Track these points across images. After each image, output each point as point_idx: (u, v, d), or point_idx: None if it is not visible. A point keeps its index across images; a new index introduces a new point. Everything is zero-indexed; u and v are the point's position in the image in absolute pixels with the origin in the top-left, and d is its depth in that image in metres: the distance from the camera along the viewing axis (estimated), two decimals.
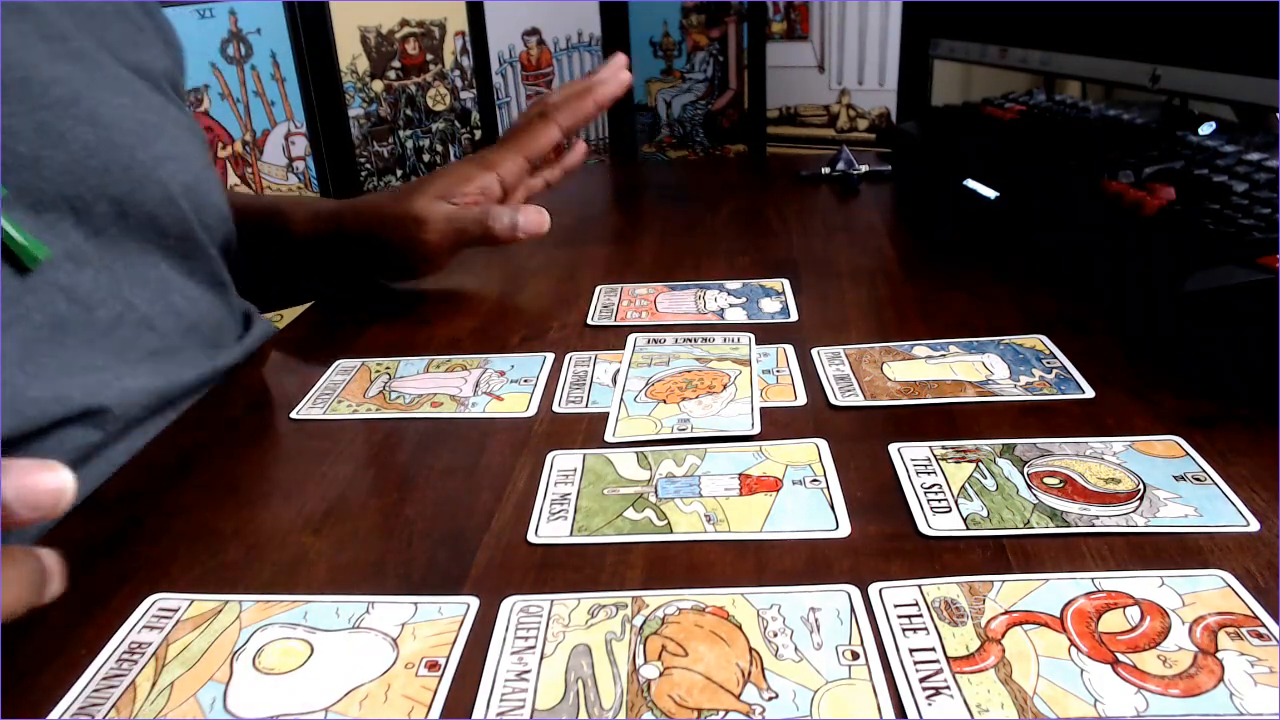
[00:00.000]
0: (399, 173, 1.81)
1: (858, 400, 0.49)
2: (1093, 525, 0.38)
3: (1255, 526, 0.37)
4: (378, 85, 1.74)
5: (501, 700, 0.31)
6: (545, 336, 0.60)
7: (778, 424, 0.47)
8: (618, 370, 0.54)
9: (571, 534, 0.39)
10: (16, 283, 0.46)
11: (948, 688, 0.30)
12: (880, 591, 0.34)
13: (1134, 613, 0.33)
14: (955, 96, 1.58)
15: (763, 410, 0.48)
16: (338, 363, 0.57)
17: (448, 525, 0.41)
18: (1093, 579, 0.34)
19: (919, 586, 0.35)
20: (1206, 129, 0.77)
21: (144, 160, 0.52)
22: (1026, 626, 0.32)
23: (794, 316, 0.61)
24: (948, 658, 0.31)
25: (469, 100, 1.89)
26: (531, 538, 0.39)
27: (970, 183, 0.86)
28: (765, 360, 0.54)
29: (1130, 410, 0.46)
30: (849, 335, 0.57)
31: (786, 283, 0.66)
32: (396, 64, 1.77)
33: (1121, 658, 0.31)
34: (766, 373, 0.53)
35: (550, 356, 0.56)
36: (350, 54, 1.69)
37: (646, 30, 2.01)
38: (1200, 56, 0.69)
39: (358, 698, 0.31)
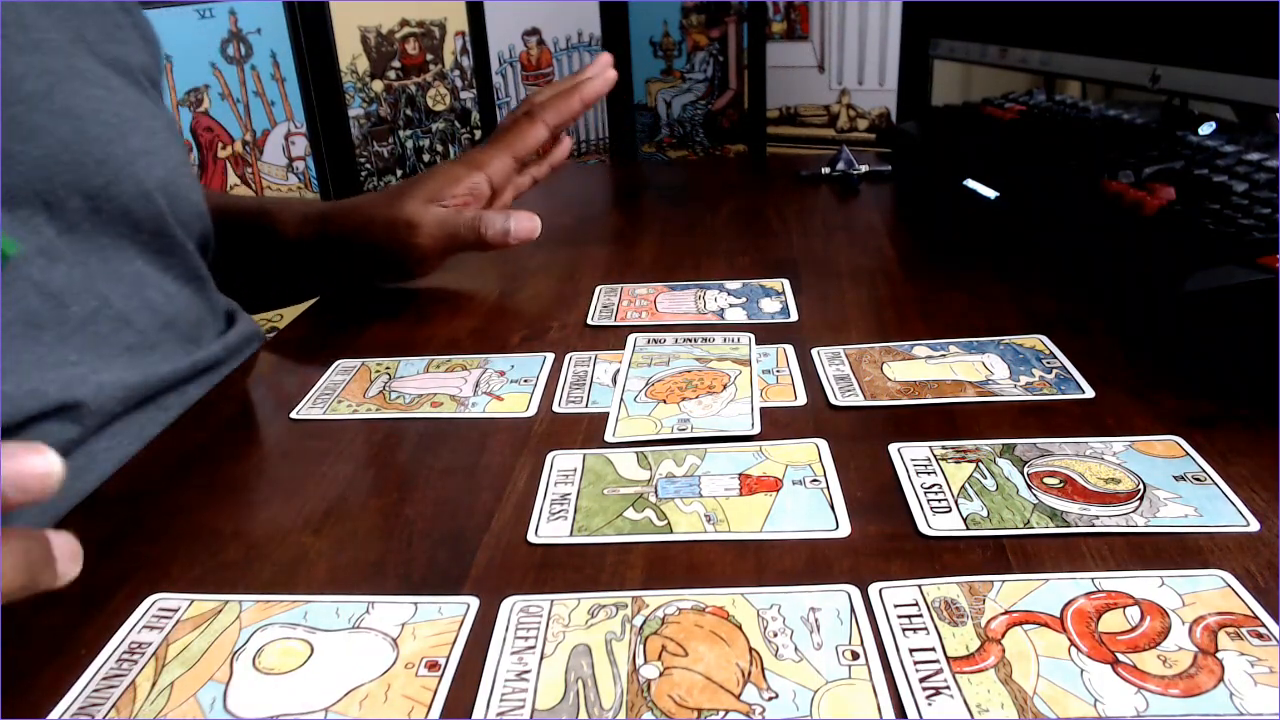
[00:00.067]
0: (399, 173, 1.81)
1: (858, 400, 0.49)
2: (1093, 525, 0.38)
3: (1255, 526, 0.37)
4: (378, 85, 1.74)
5: (501, 700, 0.31)
6: (545, 336, 0.60)
7: (778, 424, 0.47)
8: (618, 370, 0.54)
9: (571, 534, 0.39)
10: None
11: (948, 688, 0.30)
12: (880, 591, 0.34)
13: (1134, 613, 0.33)
14: (955, 96, 1.58)
15: (763, 410, 0.48)
16: (338, 363, 0.57)
17: (448, 525, 0.41)
18: (1093, 579, 0.34)
19: (919, 586, 0.35)
20: (1206, 129, 0.77)
21: (118, 155, 0.52)
22: (1026, 626, 0.32)
23: (794, 316, 0.61)
24: (948, 658, 0.31)
25: (469, 100, 1.89)
26: (531, 538, 0.39)
27: (970, 183, 0.86)
28: (765, 360, 0.54)
29: (1130, 410, 0.46)
30: (849, 335, 0.57)
31: (786, 283, 0.66)
32: (396, 64, 1.77)
33: (1121, 658, 0.31)
34: (766, 373, 0.53)
35: (550, 356, 0.56)
36: (350, 54, 1.69)
37: (646, 30, 2.01)
38: (1200, 56, 0.69)
39: (358, 698, 0.31)
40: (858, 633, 0.33)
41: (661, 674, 0.31)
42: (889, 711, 0.29)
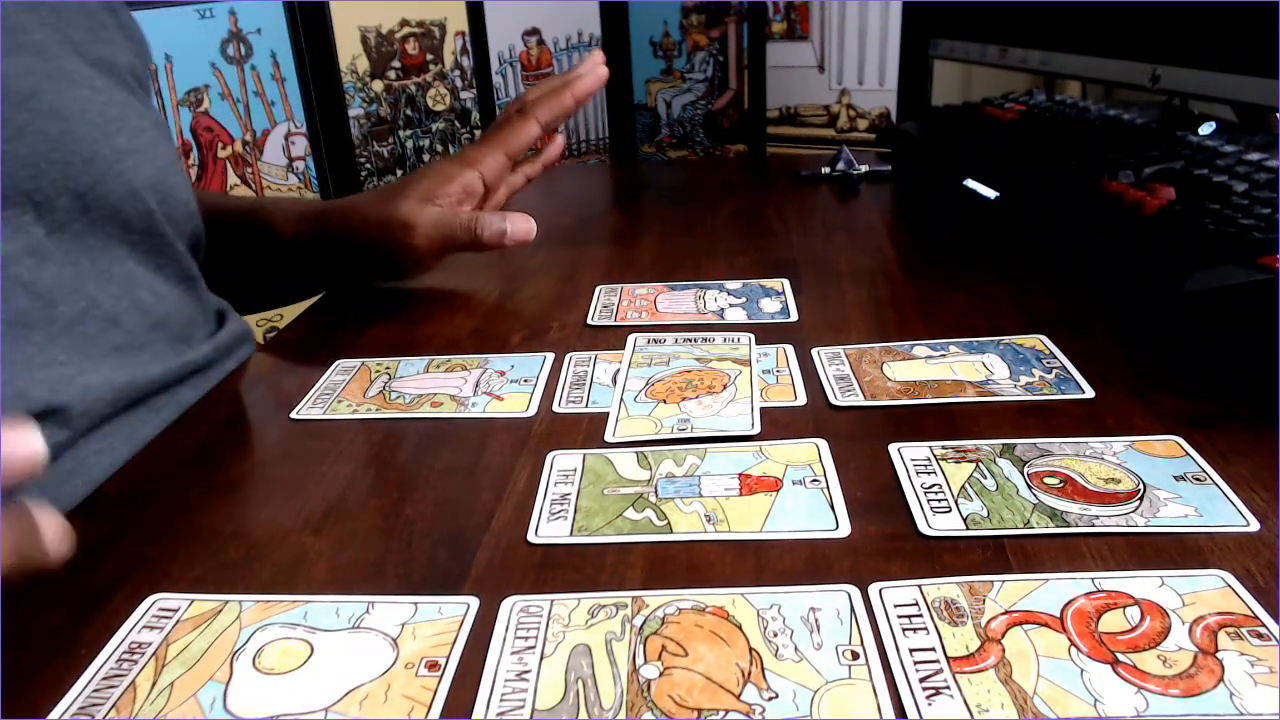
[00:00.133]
0: (399, 173, 1.81)
1: (858, 400, 0.49)
2: (1093, 525, 0.38)
3: (1255, 526, 0.37)
4: (378, 85, 1.74)
5: (501, 700, 0.31)
6: (545, 336, 0.60)
7: (778, 424, 0.47)
8: (618, 370, 0.54)
9: (571, 534, 0.39)
10: None
11: (948, 688, 0.30)
12: (880, 591, 0.34)
13: (1134, 613, 0.33)
14: (955, 96, 1.58)
15: (763, 410, 0.48)
16: (338, 363, 0.57)
17: (448, 525, 0.41)
18: (1093, 579, 0.34)
19: (919, 586, 0.35)
20: (1206, 129, 0.77)
21: (106, 154, 0.52)
22: (1026, 626, 0.32)
23: (794, 316, 0.61)
24: (948, 658, 0.31)
25: (469, 100, 1.89)
26: (531, 538, 0.39)
27: (970, 183, 0.86)
28: (765, 360, 0.54)
29: (1130, 410, 0.46)
30: (849, 335, 0.57)
31: (786, 283, 0.66)
32: (396, 64, 1.76)
33: (1121, 658, 0.31)
34: (766, 373, 0.53)
35: (550, 356, 0.56)
36: (350, 54, 1.69)
37: (646, 30, 2.01)
38: (1200, 56, 0.69)
39: (358, 698, 0.31)
40: (858, 633, 0.33)
41: (661, 674, 0.31)
42: (889, 711, 0.29)
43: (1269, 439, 0.43)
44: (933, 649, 0.32)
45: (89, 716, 0.31)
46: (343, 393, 0.53)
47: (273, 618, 0.35)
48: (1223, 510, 0.38)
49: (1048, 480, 0.41)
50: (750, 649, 0.32)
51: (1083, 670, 0.30)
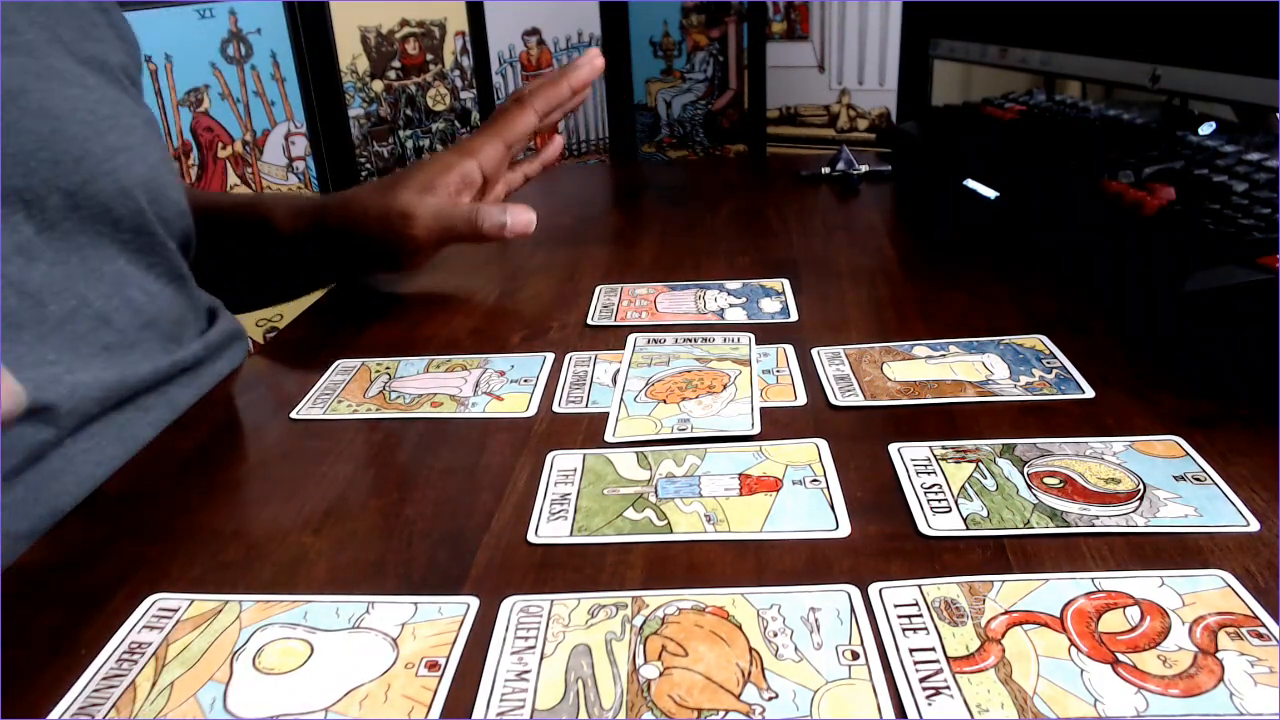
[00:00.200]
0: (398, 173, 1.81)
1: (858, 400, 0.49)
2: (1093, 525, 0.38)
3: (1255, 526, 0.37)
4: (378, 85, 1.74)
5: (501, 700, 0.31)
6: (545, 336, 0.60)
7: (778, 424, 0.47)
8: (618, 370, 0.54)
9: (571, 534, 0.39)
10: None
11: (948, 688, 0.30)
12: (880, 591, 0.34)
13: (1134, 613, 0.33)
14: (955, 96, 1.58)
15: (763, 410, 0.48)
16: (338, 363, 0.57)
17: (448, 525, 0.41)
18: (1093, 579, 0.34)
19: (919, 586, 0.35)
20: (1206, 129, 0.77)
21: (96, 152, 0.51)
22: (1026, 626, 0.32)
23: (794, 316, 0.61)
24: (948, 658, 0.31)
25: (469, 100, 1.89)
26: (531, 538, 0.39)
27: (970, 183, 0.86)
28: (765, 360, 0.54)
29: (1130, 410, 0.46)
30: (849, 335, 0.57)
31: (786, 283, 0.66)
32: (396, 64, 1.76)
33: (1121, 658, 0.31)
34: (766, 373, 0.53)
35: (550, 356, 0.56)
36: (350, 54, 1.69)
37: (646, 30, 2.01)
38: (1200, 56, 0.69)
39: (358, 698, 0.31)
40: (858, 633, 0.33)
41: (661, 674, 0.31)
42: (889, 711, 0.29)
43: (1269, 439, 0.43)
44: (933, 649, 0.32)
45: (89, 716, 0.31)
46: (343, 393, 0.53)
47: (273, 618, 0.35)
48: (1223, 510, 0.38)
49: (1048, 480, 0.40)
50: (750, 649, 0.32)
51: (1083, 670, 0.30)
